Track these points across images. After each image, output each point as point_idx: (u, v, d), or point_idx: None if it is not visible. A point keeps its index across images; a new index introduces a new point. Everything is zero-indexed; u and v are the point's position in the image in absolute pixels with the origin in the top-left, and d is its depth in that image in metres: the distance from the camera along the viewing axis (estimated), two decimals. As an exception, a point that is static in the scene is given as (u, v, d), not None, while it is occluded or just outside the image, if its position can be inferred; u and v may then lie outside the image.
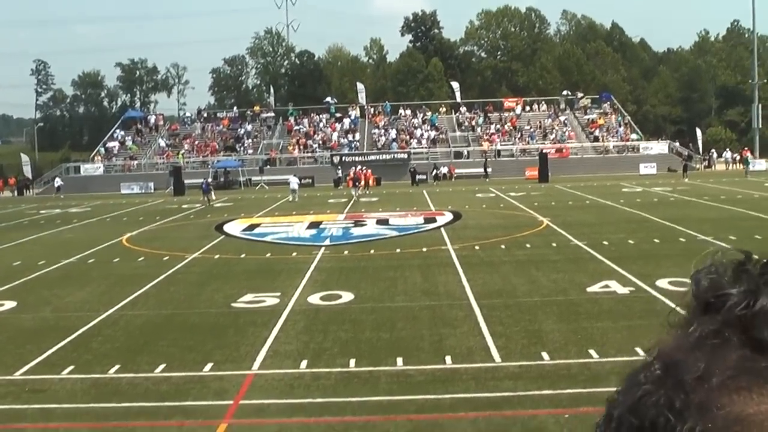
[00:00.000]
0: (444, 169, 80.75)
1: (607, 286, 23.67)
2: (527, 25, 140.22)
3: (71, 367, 17.08)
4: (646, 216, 40.55)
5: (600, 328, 18.93)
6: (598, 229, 36.30)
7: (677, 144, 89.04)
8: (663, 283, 23.39)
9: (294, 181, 61.41)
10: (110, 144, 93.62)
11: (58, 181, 79.63)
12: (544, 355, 16.90)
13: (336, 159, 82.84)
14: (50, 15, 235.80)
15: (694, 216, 39.53)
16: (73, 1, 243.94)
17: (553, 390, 14.77)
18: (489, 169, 77.99)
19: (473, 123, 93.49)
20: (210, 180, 77.81)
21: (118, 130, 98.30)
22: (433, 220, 43.06)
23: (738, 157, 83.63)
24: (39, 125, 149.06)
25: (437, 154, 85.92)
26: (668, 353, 1.06)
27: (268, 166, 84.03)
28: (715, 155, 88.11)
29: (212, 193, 62.53)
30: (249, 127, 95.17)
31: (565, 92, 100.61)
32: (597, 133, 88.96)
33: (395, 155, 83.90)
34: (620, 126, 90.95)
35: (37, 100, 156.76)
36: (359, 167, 73.71)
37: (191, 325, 20.65)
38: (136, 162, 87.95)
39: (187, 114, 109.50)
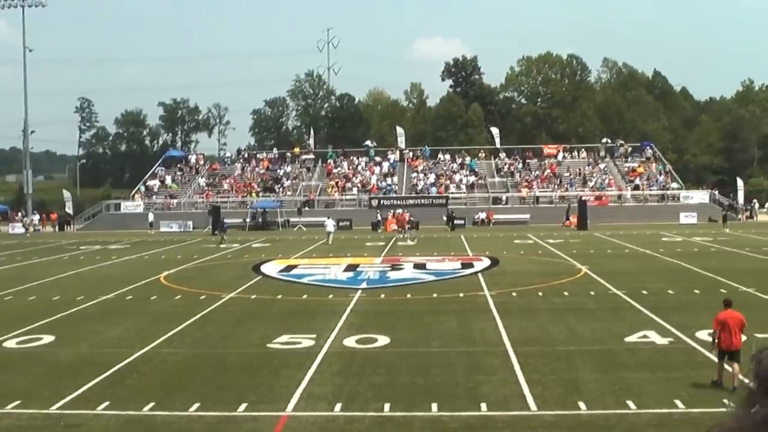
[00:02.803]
0: (482, 215, 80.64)
1: (645, 336, 23.40)
2: (568, 72, 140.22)
3: (106, 403, 17.11)
4: (686, 266, 40.18)
5: (638, 379, 18.68)
6: (638, 278, 35.97)
7: (717, 193, 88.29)
8: (703, 334, 23.04)
9: (330, 224, 61.49)
10: (150, 182, 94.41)
11: (151, 217, 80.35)
12: (581, 404, 16.70)
13: (375, 202, 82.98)
14: (95, 54, 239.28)
15: (735, 267, 39.10)
16: (118, 41, 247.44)
17: (589, 441, 14.59)
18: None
19: (512, 169, 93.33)
20: (249, 219, 78.37)
21: (158, 169, 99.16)
22: (471, 266, 42.86)
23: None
24: (81, 162, 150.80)
25: (475, 199, 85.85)
26: None
27: (307, 208, 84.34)
28: (756, 206, 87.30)
29: (226, 233, 63.14)
30: (288, 169, 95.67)
31: (605, 140, 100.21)
32: (637, 181, 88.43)
33: (434, 200, 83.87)
34: (660, 174, 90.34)
35: (80, 137, 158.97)
36: (400, 210, 73.76)
37: (226, 365, 20.64)
38: (175, 201, 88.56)
39: (228, 154, 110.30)
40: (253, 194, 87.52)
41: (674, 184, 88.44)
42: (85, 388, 18.55)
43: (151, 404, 17.13)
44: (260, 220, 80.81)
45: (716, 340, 17.97)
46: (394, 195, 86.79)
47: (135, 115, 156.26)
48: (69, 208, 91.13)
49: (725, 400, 16.16)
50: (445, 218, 75.18)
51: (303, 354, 22.10)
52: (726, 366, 17.90)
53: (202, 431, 15.59)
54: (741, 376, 17.24)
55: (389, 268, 42.62)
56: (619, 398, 17.03)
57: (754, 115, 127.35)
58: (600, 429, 15.22)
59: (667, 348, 22.10)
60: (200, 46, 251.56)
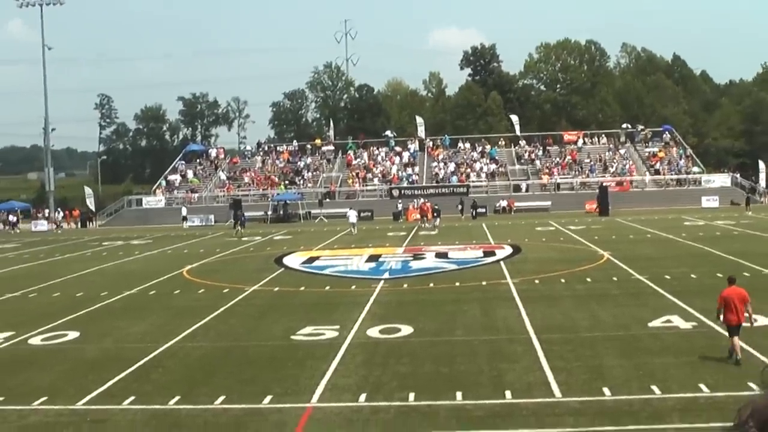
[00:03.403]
0: (503, 203, 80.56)
1: (669, 321, 23.34)
2: (587, 58, 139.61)
3: (132, 398, 17.21)
4: (709, 250, 40.00)
5: (662, 364, 18.63)
6: (660, 263, 35.85)
7: (739, 176, 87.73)
8: (727, 318, 23.02)
9: (353, 215, 61.61)
10: (171, 177, 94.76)
11: (184, 211, 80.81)
12: (606, 390, 16.67)
13: (395, 192, 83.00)
14: (113, 51, 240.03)
15: (758, 250, 38.86)
16: (135, 38, 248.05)
17: (615, 426, 14.56)
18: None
19: (533, 156, 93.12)
20: (270, 212, 78.62)
21: (179, 163, 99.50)
22: (493, 254, 42.82)
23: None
24: (102, 158, 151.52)
25: (496, 188, 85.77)
26: (762, 412, 1.03)
27: (328, 200, 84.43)
28: None
29: (244, 226, 63.40)
30: (309, 161, 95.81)
31: (625, 125, 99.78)
32: (658, 166, 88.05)
33: (454, 189, 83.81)
34: (681, 159, 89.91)
35: (100, 133, 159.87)
36: (423, 200, 74.09)
37: (250, 358, 20.70)
38: (196, 195, 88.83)
39: (248, 147, 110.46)
40: (281, 186, 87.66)
41: (695, 168, 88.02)
42: (110, 383, 18.66)
43: (177, 398, 17.22)
44: (281, 212, 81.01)
45: (721, 316, 18.92)
46: (416, 185, 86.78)
47: (155, 111, 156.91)
48: (91, 205, 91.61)
49: (750, 383, 16.16)
50: (459, 207, 74.98)
51: (327, 345, 22.16)
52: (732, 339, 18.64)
53: (228, 424, 15.65)
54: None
55: (411, 258, 42.64)
56: (643, 383, 16.99)
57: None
58: (625, 414, 15.19)
59: (690, 332, 22.05)
60: (219, 41, 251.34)
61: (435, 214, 63.78)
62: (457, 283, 32.83)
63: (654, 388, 16.64)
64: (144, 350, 21.73)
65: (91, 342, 23.68)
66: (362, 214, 73.54)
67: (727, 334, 18.95)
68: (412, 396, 16.90)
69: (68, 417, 16.30)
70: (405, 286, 32.69)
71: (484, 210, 76.39)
